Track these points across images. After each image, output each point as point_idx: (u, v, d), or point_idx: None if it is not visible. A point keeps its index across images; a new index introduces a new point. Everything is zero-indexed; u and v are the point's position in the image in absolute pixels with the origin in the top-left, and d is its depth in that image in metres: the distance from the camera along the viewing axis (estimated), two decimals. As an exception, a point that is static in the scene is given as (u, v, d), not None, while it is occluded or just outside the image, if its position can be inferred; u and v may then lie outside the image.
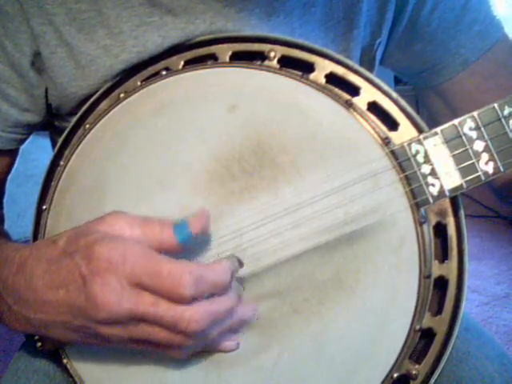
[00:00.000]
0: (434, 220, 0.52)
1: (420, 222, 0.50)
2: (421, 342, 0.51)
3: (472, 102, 0.67)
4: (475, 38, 0.65)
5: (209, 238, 0.51)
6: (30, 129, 0.62)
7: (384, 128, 0.52)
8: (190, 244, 0.47)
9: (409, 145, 0.50)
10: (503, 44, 0.66)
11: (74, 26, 0.55)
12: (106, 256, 0.43)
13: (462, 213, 0.51)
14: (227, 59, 0.55)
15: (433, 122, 0.52)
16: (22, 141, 0.63)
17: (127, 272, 0.42)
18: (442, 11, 0.64)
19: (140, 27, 0.55)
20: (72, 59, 0.56)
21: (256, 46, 0.54)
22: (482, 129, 0.49)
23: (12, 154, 0.63)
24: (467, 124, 0.50)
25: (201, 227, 0.47)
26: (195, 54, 0.56)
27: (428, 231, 0.51)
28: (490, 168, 0.50)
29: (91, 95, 0.57)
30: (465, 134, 0.50)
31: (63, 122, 0.62)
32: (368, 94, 0.52)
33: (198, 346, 0.47)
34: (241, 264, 0.50)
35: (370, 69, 0.67)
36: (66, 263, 0.44)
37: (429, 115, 0.70)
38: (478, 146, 0.50)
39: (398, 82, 1.26)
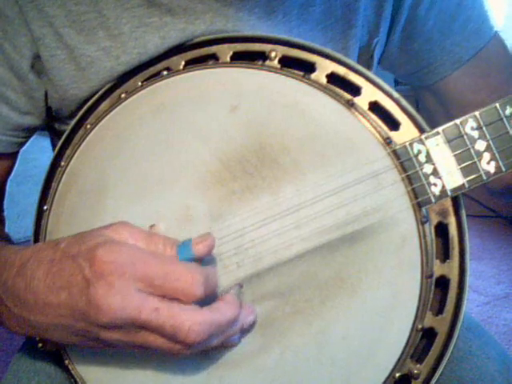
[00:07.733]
0: (435, 220, 0.52)
1: (422, 222, 0.50)
2: (422, 342, 0.51)
3: (463, 101, 0.68)
4: (470, 36, 0.65)
5: None
6: (31, 132, 0.62)
7: (385, 128, 0.52)
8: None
9: (410, 144, 0.50)
10: (495, 43, 0.66)
11: (73, 28, 0.55)
12: (110, 259, 0.42)
13: (463, 212, 0.51)
14: (228, 59, 0.55)
15: (431, 122, 0.52)
16: (23, 144, 0.63)
17: (138, 274, 0.42)
18: (438, 10, 0.64)
19: (140, 28, 0.55)
20: (72, 61, 0.56)
21: (257, 46, 0.54)
22: (484, 128, 0.49)
23: (12, 156, 0.63)
24: (469, 124, 0.50)
25: (205, 250, 0.46)
26: (196, 54, 0.56)
27: (429, 231, 0.51)
28: (491, 168, 0.50)
29: (91, 97, 0.57)
30: (466, 134, 0.50)
31: (63, 125, 0.62)
32: (369, 93, 0.52)
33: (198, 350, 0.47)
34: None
35: (368, 69, 0.67)
36: (68, 265, 0.44)
37: (427, 115, 0.70)
38: (480, 145, 0.50)
39: (397, 82, 1.26)
